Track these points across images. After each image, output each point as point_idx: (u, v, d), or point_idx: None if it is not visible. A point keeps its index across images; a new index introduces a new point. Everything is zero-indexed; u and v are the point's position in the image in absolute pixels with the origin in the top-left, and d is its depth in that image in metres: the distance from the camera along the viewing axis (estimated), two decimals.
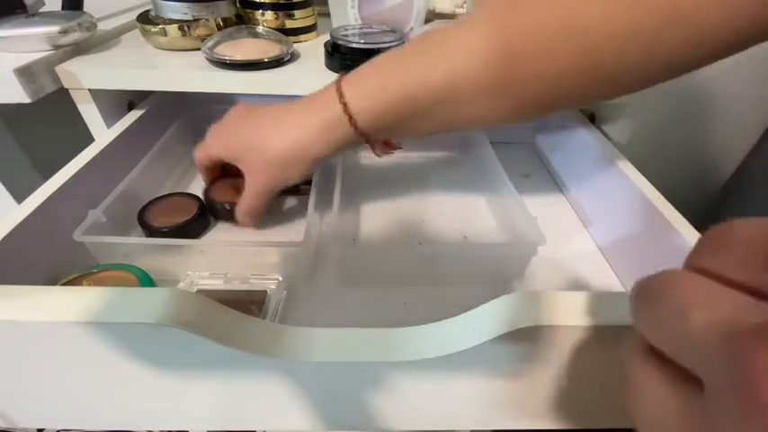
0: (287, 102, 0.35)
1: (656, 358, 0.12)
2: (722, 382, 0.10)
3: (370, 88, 0.31)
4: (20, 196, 0.48)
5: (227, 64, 0.44)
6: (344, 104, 0.31)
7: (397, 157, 0.56)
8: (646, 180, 0.39)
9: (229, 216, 0.41)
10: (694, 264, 0.13)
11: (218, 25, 0.48)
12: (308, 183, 0.43)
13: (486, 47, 0.27)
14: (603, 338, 0.21)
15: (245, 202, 0.37)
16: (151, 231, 0.39)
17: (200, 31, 0.47)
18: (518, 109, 0.29)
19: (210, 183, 0.43)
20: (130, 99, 0.51)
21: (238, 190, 0.38)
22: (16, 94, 0.40)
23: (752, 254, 0.11)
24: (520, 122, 0.31)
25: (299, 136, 0.33)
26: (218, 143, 0.38)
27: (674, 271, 0.13)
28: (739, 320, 0.10)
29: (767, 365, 0.09)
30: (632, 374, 0.13)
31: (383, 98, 0.30)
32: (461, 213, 0.47)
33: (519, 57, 0.26)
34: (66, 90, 0.44)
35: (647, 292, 0.13)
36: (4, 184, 0.48)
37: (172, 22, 0.46)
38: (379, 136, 0.33)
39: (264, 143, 0.34)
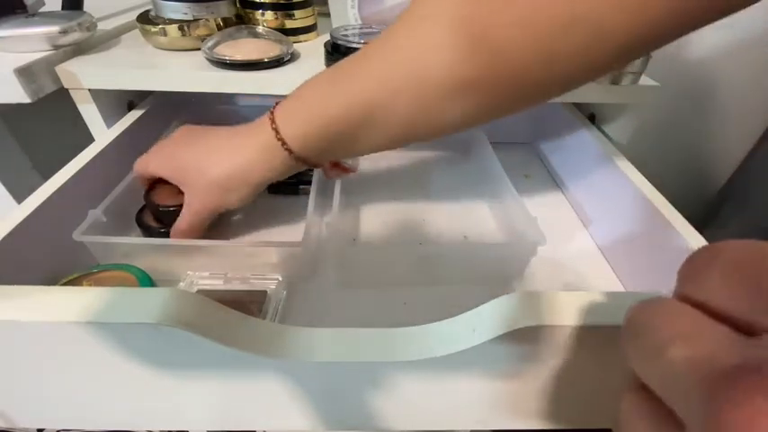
0: (234, 125, 0.35)
1: (646, 393, 0.12)
2: (699, 428, 0.09)
3: (297, 113, 0.30)
4: (20, 196, 0.48)
5: (227, 64, 0.44)
6: (276, 130, 0.30)
7: (397, 157, 0.56)
8: (646, 180, 0.39)
9: (172, 220, 0.37)
10: (681, 291, 0.12)
11: (218, 25, 0.48)
12: (308, 183, 0.43)
13: (451, 46, 0.24)
14: (603, 338, 0.20)
15: (183, 222, 0.36)
16: (150, 232, 0.39)
17: (201, 31, 0.47)
18: (483, 109, 0.27)
19: (149, 188, 0.40)
20: (130, 99, 0.51)
21: (181, 192, 0.37)
22: (16, 94, 0.39)
23: (737, 280, 0.11)
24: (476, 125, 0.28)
25: (241, 161, 0.32)
26: (160, 162, 0.37)
27: (660, 300, 0.12)
28: (719, 359, 0.10)
29: (744, 415, 0.08)
30: (622, 408, 0.13)
31: (311, 122, 0.29)
32: (461, 213, 0.47)
33: (496, 51, 0.24)
34: (66, 90, 0.44)
35: (634, 324, 0.13)
36: (4, 184, 0.48)
37: (172, 22, 0.46)
38: (322, 159, 0.32)
39: (207, 165, 0.34)
